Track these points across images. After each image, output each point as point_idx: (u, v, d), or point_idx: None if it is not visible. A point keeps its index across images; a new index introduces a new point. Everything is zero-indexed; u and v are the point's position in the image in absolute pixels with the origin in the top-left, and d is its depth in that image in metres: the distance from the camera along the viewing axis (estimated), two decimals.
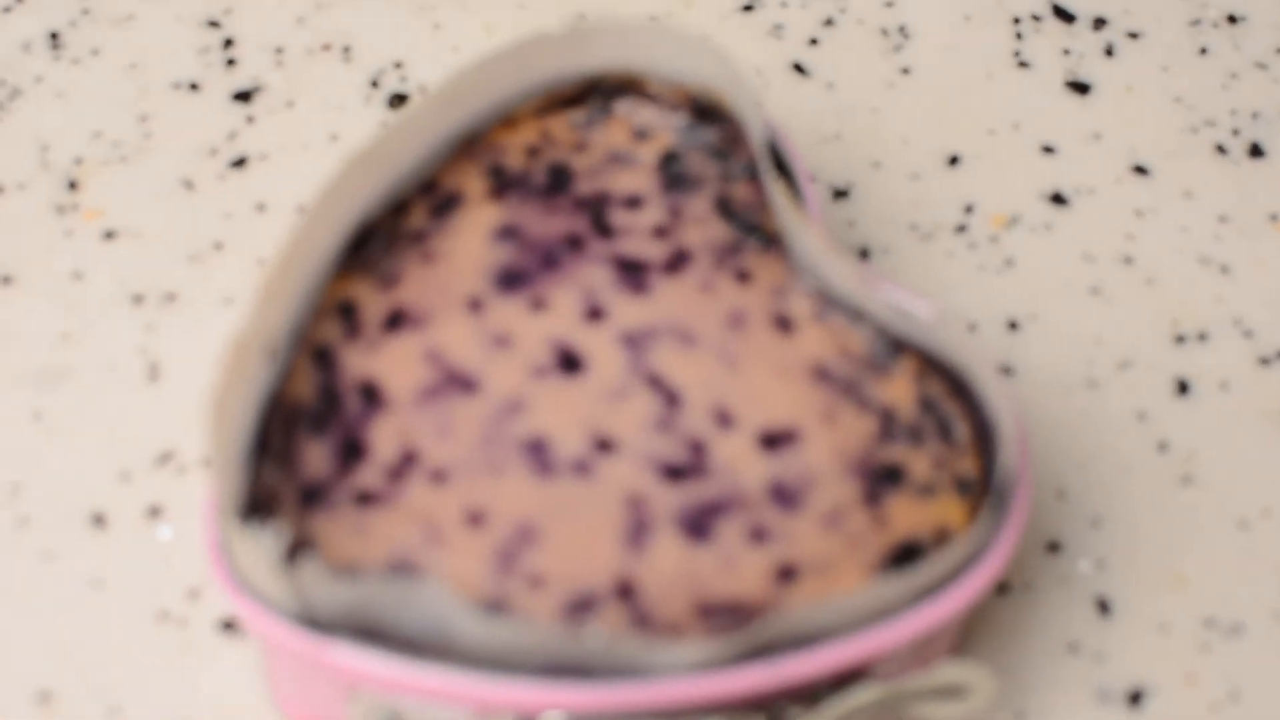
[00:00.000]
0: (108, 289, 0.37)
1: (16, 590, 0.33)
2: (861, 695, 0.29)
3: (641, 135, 0.33)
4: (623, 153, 0.33)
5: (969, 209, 0.39)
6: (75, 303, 0.37)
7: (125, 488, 0.34)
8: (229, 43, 0.42)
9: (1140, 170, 0.39)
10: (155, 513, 0.34)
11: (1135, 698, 0.32)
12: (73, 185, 0.39)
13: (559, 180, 0.33)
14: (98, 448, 0.35)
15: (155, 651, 0.32)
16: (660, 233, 0.32)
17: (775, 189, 0.31)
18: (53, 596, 0.33)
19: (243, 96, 0.41)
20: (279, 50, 0.41)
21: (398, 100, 0.41)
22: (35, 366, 0.36)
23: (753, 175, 0.33)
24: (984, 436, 0.30)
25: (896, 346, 0.31)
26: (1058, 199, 0.39)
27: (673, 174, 0.33)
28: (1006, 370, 0.36)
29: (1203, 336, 0.37)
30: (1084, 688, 0.32)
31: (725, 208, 0.32)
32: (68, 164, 0.39)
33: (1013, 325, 0.37)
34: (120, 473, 0.35)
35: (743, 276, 0.32)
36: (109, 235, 0.38)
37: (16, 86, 0.41)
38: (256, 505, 0.29)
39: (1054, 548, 0.34)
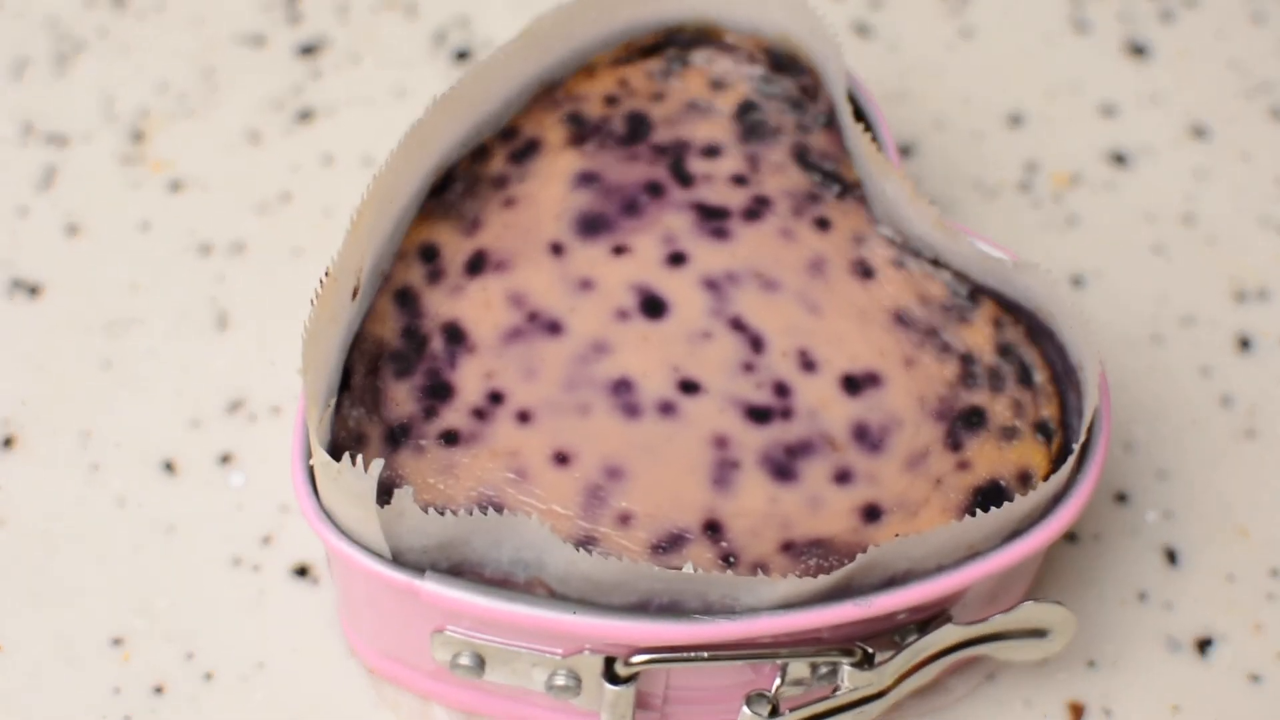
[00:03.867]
0: (176, 240, 0.37)
1: (90, 536, 0.33)
2: (945, 637, 0.29)
3: (718, 85, 0.34)
4: (700, 102, 0.33)
5: (1031, 168, 0.39)
6: (144, 253, 0.37)
7: (196, 435, 0.34)
8: None
9: (1198, 132, 0.40)
10: (226, 460, 0.34)
11: (1204, 646, 0.32)
12: (138, 137, 0.39)
13: (637, 128, 0.33)
14: (168, 396, 0.35)
15: (228, 597, 0.32)
16: (739, 181, 0.32)
17: (858, 136, 0.31)
18: (126, 542, 0.33)
19: (308, 51, 0.41)
20: (343, 6, 0.41)
21: (463, 56, 0.41)
22: (104, 316, 0.36)
23: (829, 124, 0.33)
24: (1061, 381, 0.30)
25: (975, 293, 0.31)
26: (1118, 159, 0.39)
27: (750, 123, 0.33)
28: None
29: (1263, 294, 0.37)
30: (1154, 636, 0.32)
31: (803, 157, 0.33)
32: (133, 116, 0.39)
33: (1077, 282, 0.37)
34: (190, 420, 0.35)
35: (822, 224, 0.32)
36: (176, 186, 0.38)
37: (80, 40, 0.41)
38: (344, 443, 0.29)
39: (1121, 499, 0.34)
